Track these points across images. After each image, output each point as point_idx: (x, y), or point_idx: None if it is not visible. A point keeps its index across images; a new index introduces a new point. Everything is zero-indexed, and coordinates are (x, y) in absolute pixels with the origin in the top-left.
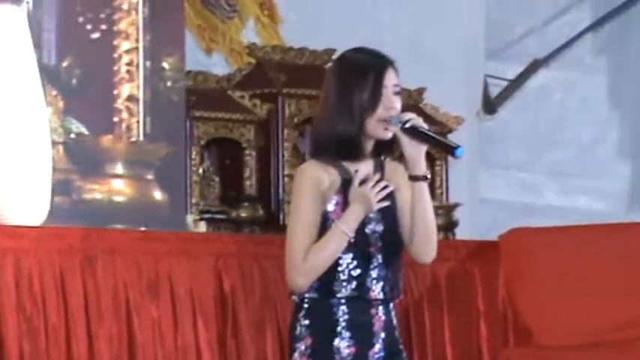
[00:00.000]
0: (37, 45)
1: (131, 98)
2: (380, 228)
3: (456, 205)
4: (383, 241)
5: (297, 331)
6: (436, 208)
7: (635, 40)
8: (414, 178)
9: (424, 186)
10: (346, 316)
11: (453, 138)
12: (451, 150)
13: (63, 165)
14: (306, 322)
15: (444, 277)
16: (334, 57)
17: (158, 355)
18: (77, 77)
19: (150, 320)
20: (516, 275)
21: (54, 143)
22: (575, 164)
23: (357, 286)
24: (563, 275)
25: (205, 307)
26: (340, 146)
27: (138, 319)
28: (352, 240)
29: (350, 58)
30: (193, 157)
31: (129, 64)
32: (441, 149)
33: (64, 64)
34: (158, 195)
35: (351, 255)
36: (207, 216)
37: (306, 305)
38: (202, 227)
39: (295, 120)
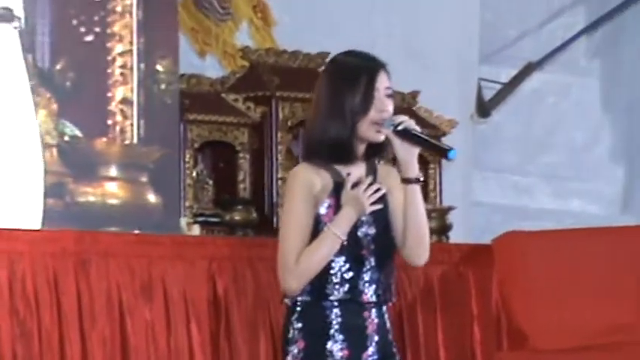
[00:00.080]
0: (31, 48)
1: (125, 101)
2: (372, 231)
3: (449, 209)
4: (375, 244)
5: (290, 335)
6: (430, 212)
7: (629, 44)
8: (406, 181)
9: (417, 189)
10: (339, 319)
11: (446, 141)
12: (444, 152)
13: (57, 168)
14: (299, 325)
15: (437, 280)
16: (327, 60)
17: (151, 358)
18: (71, 80)
19: (143, 323)
20: (510, 278)
21: (48, 146)
22: (569, 167)
23: (349, 289)
24: (556, 278)
25: (198, 310)
26: (332, 149)
27: (131, 321)
28: (344, 243)
29: (342, 62)
30: (187, 160)
31: (123, 66)
32: (433, 152)
33: (58, 66)
34: (152, 198)
35: (343, 258)
36: (200, 219)
37: (298, 308)
38: (196, 230)
39: (289, 123)
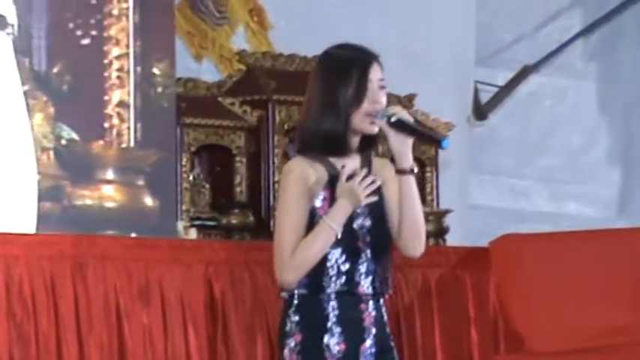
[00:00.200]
0: (28, 51)
1: (122, 104)
2: (368, 223)
3: (446, 212)
4: (371, 236)
5: (287, 328)
6: (427, 215)
7: (626, 47)
8: (401, 172)
9: (411, 179)
10: (336, 312)
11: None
12: (438, 142)
13: (53, 171)
14: (296, 318)
15: (434, 283)
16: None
17: None
18: (68, 83)
19: (140, 327)
20: (507, 281)
21: (44, 149)
22: (565, 170)
23: (346, 281)
24: (553, 281)
25: (196, 314)
26: (327, 142)
27: (128, 325)
28: (340, 235)
29: (334, 54)
30: (184, 163)
31: (119, 69)
32: (427, 141)
33: (55, 70)
34: (149, 201)
35: (339, 250)
36: (197, 223)
37: (295, 301)
38: (193, 234)
39: (285, 126)
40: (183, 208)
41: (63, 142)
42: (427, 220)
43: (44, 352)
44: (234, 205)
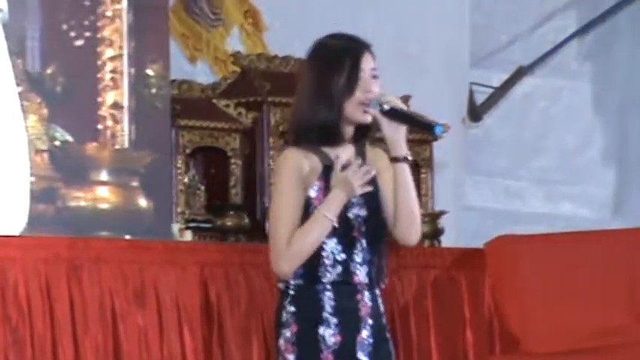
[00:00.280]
0: (21, 52)
1: (116, 105)
2: (363, 212)
3: (441, 213)
4: (367, 226)
5: (283, 318)
6: (422, 216)
7: (621, 47)
8: (395, 160)
9: (406, 167)
10: (332, 302)
11: (438, 146)
12: (431, 128)
13: (47, 172)
14: (292, 309)
15: (429, 284)
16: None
17: None
18: (61, 85)
19: (136, 329)
20: (502, 282)
21: (38, 151)
22: (560, 171)
23: (342, 271)
24: (548, 282)
25: (191, 316)
26: (320, 132)
27: (124, 327)
28: (335, 225)
29: (326, 44)
30: (179, 165)
31: (113, 71)
32: (420, 129)
33: (48, 71)
34: (143, 202)
35: (335, 240)
36: (192, 225)
37: (291, 292)
38: (188, 236)
39: (280, 128)
40: (179, 210)
41: (57, 143)
42: (422, 222)
43: (40, 354)
44: (229, 207)
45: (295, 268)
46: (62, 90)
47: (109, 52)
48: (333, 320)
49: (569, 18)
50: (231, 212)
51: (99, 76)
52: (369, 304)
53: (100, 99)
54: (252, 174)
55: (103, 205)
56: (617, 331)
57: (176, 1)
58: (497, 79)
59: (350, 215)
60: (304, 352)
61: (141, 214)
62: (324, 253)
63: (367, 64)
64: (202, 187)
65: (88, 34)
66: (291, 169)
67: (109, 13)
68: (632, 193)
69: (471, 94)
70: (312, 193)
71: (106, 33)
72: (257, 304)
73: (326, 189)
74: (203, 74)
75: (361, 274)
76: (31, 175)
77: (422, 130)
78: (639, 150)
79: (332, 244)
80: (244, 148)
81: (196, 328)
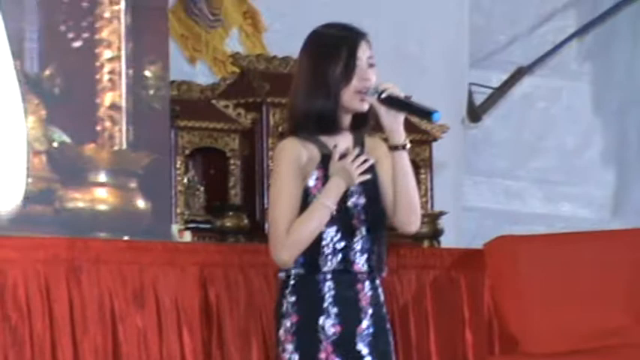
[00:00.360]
0: (19, 54)
1: (114, 107)
2: (362, 201)
3: (440, 214)
4: (366, 214)
5: (284, 308)
6: (421, 216)
7: (620, 47)
8: (393, 148)
9: (404, 155)
10: (332, 292)
11: (437, 146)
12: (428, 115)
13: (46, 174)
14: (293, 298)
15: (429, 285)
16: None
17: None
18: (59, 86)
19: (135, 330)
20: (501, 283)
21: (36, 152)
22: (560, 171)
23: (342, 259)
24: (548, 283)
25: (190, 317)
26: (318, 121)
27: (123, 328)
28: (335, 213)
29: (322, 34)
30: (178, 166)
31: (111, 72)
32: (418, 116)
33: (46, 72)
34: (141, 204)
35: (334, 228)
36: (192, 225)
37: (292, 282)
38: (187, 237)
39: (280, 129)
40: (178, 211)
41: (55, 144)
42: (422, 222)
43: (39, 355)
44: (228, 208)
45: (295, 257)
46: (60, 91)
47: (107, 54)
48: (334, 310)
49: (569, 18)
50: (231, 213)
51: (97, 77)
52: (370, 293)
53: (98, 100)
54: (251, 174)
55: (102, 207)
56: (616, 332)
57: (175, 2)
58: (497, 80)
59: (349, 204)
60: (304, 342)
61: (139, 216)
62: (323, 242)
63: (364, 52)
64: (201, 188)
65: (85, 35)
66: (290, 159)
67: (106, 15)
68: (631, 193)
69: (471, 94)
70: (311, 183)
71: (104, 34)
72: (256, 305)
73: (324, 178)
74: (202, 75)
75: (361, 262)
76: (30, 176)
77: (420, 117)
78: (639, 150)
79: (332, 233)
80: (243, 149)
81: (195, 329)
